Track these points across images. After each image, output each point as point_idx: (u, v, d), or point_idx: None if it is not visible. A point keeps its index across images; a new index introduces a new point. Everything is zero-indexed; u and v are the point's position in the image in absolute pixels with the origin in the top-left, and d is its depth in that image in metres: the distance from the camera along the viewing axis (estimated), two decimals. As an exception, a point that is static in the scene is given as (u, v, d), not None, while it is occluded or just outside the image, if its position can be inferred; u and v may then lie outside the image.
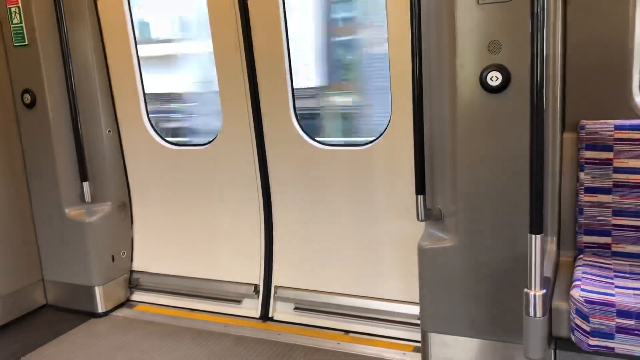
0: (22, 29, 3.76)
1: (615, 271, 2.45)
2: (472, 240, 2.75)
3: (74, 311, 4.07)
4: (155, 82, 4.27)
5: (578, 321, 2.24)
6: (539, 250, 2.25)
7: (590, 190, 2.63)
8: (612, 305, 2.16)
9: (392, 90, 3.29)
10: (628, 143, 2.55)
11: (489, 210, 2.69)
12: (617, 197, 2.58)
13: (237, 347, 3.48)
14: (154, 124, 4.12)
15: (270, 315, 3.81)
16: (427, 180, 2.86)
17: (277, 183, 3.76)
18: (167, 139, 4.14)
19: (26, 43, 3.78)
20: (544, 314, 2.27)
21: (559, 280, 2.56)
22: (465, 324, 2.82)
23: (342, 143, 3.67)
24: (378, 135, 3.43)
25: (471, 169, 2.70)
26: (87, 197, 3.91)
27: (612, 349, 2.19)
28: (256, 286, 3.87)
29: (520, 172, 2.55)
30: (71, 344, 3.64)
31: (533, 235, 2.25)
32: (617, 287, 2.29)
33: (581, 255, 2.63)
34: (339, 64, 4.36)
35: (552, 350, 2.57)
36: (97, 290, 4.02)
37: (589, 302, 2.19)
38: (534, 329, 2.29)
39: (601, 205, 2.61)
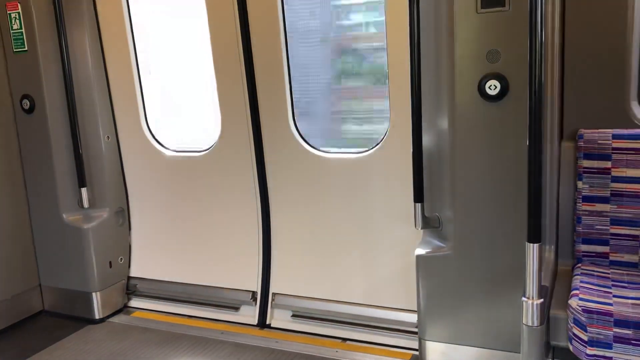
0: (22, 35, 3.77)
1: (613, 280, 2.45)
2: (470, 248, 2.75)
3: (71, 317, 4.06)
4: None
5: (576, 330, 2.23)
6: (537, 259, 2.25)
7: (588, 199, 2.63)
8: (609, 314, 2.16)
9: (391, 98, 3.30)
10: (626, 152, 2.55)
11: (487, 219, 2.70)
12: (615, 207, 2.58)
13: (235, 354, 3.46)
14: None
15: (268, 323, 3.80)
16: (425, 188, 2.86)
17: (275, 190, 3.76)
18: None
19: (26, 49, 3.78)
20: (541, 323, 2.27)
21: (557, 289, 2.56)
22: (462, 332, 2.82)
23: (341, 150, 3.67)
24: (377, 142, 3.44)
25: (469, 177, 2.70)
26: (85, 203, 3.91)
27: (610, 358, 2.18)
28: (254, 293, 3.86)
29: (519, 181, 2.55)
30: (68, 350, 3.63)
31: (531, 244, 2.25)
32: (615, 296, 2.29)
33: (579, 264, 2.63)
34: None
35: (550, 360, 2.57)
36: (95, 297, 4.01)
37: (586, 311, 2.19)
38: (532, 338, 2.29)
39: (599, 214, 2.61)
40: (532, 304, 2.26)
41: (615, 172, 2.58)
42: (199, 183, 3.97)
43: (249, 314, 3.86)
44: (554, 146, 2.64)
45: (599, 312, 2.17)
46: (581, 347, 2.22)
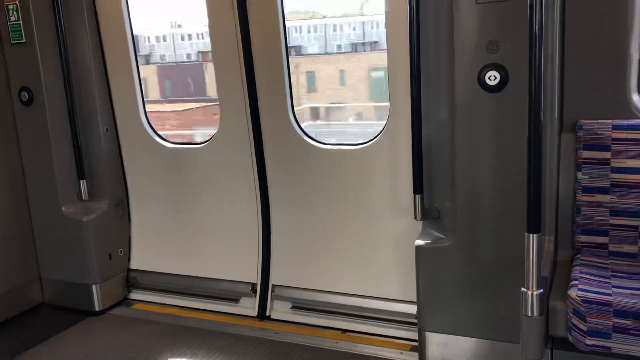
0: (20, 27, 3.75)
1: (612, 271, 2.45)
2: (469, 239, 2.76)
3: (71, 309, 4.06)
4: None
5: (575, 321, 2.24)
6: (536, 250, 2.25)
7: (588, 190, 2.63)
8: (609, 305, 2.16)
9: (390, 89, 3.29)
10: (626, 143, 2.55)
11: (487, 210, 2.70)
12: (615, 197, 2.58)
13: (235, 346, 3.47)
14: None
15: (267, 314, 3.81)
16: (425, 180, 2.86)
17: (274, 182, 3.75)
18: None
19: (23, 41, 3.76)
20: (541, 314, 2.27)
21: (556, 279, 2.56)
22: (462, 323, 2.82)
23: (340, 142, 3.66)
24: (376, 134, 3.43)
25: (469, 168, 2.70)
26: (85, 195, 3.90)
27: (609, 348, 2.19)
28: (254, 285, 3.86)
29: (518, 172, 2.55)
30: (68, 343, 3.63)
31: (530, 235, 2.25)
32: (614, 287, 2.29)
33: (579, 255, 2.63)
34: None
35: (549, 350, 2.58)
36: (95, 289, 4.01)
37: (586, 301, 2.19)
38: (531, 328, 2.30)
39: (599, 205, 2.61)
40: (532, 294, 2.26)
41: (614, 163, 2.58)
42: (199, 175, 3.97)
43: (249, 306, 3.86)
44: (553, 137, 2.63)
45: (598, 303, 2.18)
46: (580, 337, 2.23)
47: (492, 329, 2.76)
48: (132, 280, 4.26)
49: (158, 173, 4.12)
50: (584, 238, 2.66)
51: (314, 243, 3.71)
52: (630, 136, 2.54)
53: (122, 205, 4.21)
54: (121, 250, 4.20)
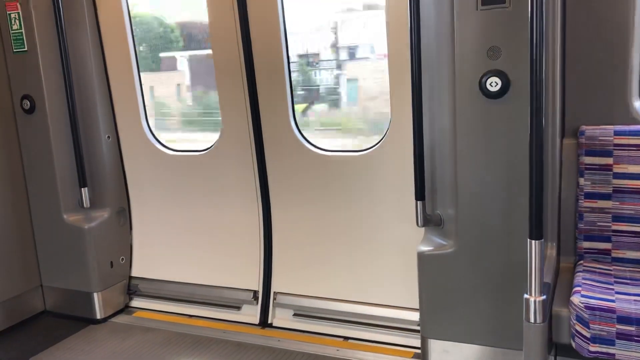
0: (22, 35, 3.76)
1: (615, 277, 2.45)
2: (472, 246, 2.75)
3: (73, 317, 4.06)
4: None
5: (578, 327, 2.23)
6: (539, 256, 2.25)
7: (590, 196, 2.62)
8: (612, 311, 2.15)
9: (392, 96, 3.29)
10: (628, 149, 2.55)
11: (489, 216, 2.69)
12: (617, 203, 2.58)
13: (236, 353, 3.46)
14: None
15: (269, 322, 3.80)
16: (426, 186, 2.86)
17: (276, 189, 3.75)
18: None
19: (25, 49, 3.78)
20: (544, 320, 2.26)
21: (559, 286, 2.55)
22: (465, 330, 2.81)
23: (342, 149, 3.67)
24: (378, 140, 3.43)
25: (471, 174, 2.70)
26: (86, 203, 3.90)
27: (613, 355, 2.18)
28: (255, 292, 3.86)
29: (520, 178, 2.55)
30: (69, 351, 3.63)
31: (533, 241, 2.25)
32: (617, 293, 2.28)
33: (581, 261, 2.63)
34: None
35: (553, 357, 2.57)
36: (96, 297, 4.01)
37: (589, 308, 2.19)
38: (534, 335, 2.29)
39: (601, 211, 2.61)
40: (534, 301, 2.25)
41: (617, 169, 2.58)
42: (200, 182, 3.97)
43: (251, 313, 3.85)
44: (555, 143, 2.63)
45: (601, 309, 2.17)
46: (584, 344, 2.22)
47: (494, 336, 2.75)
48: (134, 288, 4.26)
49: (160, 180, 4.12)
50: (586, 244, 2.65)
51: (316, 250, 3.70)
52: (632, 142, 2.54)
53: (124, 213, 4.21)
54: (122, 258, 4.20)
